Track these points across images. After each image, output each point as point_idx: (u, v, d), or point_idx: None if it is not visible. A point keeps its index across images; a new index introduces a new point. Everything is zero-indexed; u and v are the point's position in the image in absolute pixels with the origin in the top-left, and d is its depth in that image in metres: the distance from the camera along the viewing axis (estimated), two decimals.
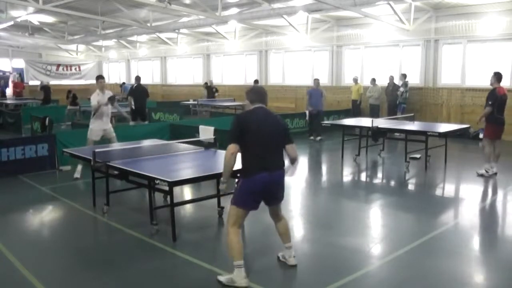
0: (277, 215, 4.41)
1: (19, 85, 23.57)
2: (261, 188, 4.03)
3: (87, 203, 6.39)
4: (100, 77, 8.39)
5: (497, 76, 7.95)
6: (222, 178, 4.15)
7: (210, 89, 19.84)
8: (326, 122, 11.52)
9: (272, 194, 4.17)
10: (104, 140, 8.28)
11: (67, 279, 4.22)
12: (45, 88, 19.92)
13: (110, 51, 28.28)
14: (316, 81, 13.21)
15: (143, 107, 13.14)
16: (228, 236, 4.06)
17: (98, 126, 8.18)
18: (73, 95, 16.99)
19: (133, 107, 12.70)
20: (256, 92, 4.36)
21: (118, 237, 5.37)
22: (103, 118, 8.22)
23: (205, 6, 13.93)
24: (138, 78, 13.43)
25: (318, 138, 12.76)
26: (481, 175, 8.08)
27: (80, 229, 5.65)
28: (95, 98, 8.17)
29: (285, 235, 4.44)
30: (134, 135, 9.04)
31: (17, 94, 22.31)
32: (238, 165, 4.09)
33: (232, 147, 3.95)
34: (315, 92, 12.86)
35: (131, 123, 11.60)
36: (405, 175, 8.58)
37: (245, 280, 3.90)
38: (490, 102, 7.81)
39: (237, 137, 3.98)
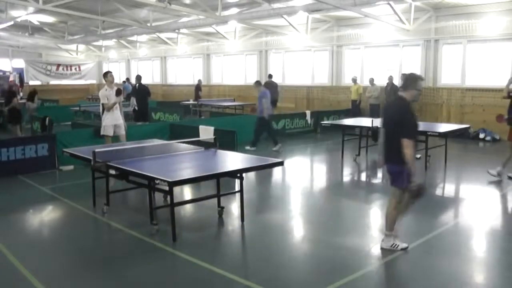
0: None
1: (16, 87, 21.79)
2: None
3: (87, 203, 6.39)
4: (108, 72, 8.59)
5: None
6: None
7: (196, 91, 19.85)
8: (326, 122, 11.50)
9: None
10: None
11: (67, 279, 4.22)
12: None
13: (110, 51, 28.26)
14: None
15: (146, 108, 13.06)
16: (394, 211, 4.62)
17: (110, 122, 8.39)
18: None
19: (136, 107, 12.61)
20: (414, 78, 4.61)
21: (118, 237, 5.37)
22: (113, 113, 8.39)
23: (205, 6, 13.92)
24: (139, 78, 13.36)
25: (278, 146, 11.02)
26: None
27: (80, 229, 5.64)
28: (103, 94, 8.32)
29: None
30: (134, 135, 9.05)
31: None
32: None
33: (409, 143, 4.27)
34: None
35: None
36: None
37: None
38: None
39: (412, 131, 4.38)
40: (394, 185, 4.62)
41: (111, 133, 8.43)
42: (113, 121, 8.44)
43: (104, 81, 8.77)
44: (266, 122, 11.04)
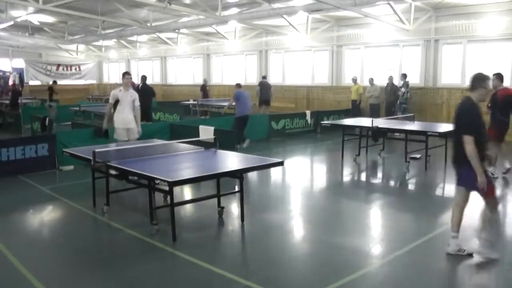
0: None
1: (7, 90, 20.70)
2: None
3: (87, 203, 6.39)
4: (126, 73, 8.07)
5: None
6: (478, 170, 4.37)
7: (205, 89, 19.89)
8: (326, 122, 11.47)
9: None
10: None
11: (67, 279, 4.22)
12: (14, 91, 17.80)
13: (110, 51, 28.26)
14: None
15: (149, 109, 12.98)
16: (457, 207, 4.71)
17: (122, 125, 7.91)
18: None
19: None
20: (481, 77, 4.53)
21: (118, 237, 5.37)
22: (123, 114, 7.89)
23: (205, 6, 13.93)
24: (144, 78, 13.33)
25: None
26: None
27: (80, 229, 5.64)
28: (115, 95, 7.89)
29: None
30: None
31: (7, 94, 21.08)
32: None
33: (470, 139, 4.27)
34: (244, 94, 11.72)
35: None
36: (405, 175, 8.58)
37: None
38: None
39: (474, 129, 4.33)
40: (461, 185, 4.63)
41: (124, 137, 7.89)
42: (125, 124, 7.90)
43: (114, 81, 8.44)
44: (243, 121, 11.25)
